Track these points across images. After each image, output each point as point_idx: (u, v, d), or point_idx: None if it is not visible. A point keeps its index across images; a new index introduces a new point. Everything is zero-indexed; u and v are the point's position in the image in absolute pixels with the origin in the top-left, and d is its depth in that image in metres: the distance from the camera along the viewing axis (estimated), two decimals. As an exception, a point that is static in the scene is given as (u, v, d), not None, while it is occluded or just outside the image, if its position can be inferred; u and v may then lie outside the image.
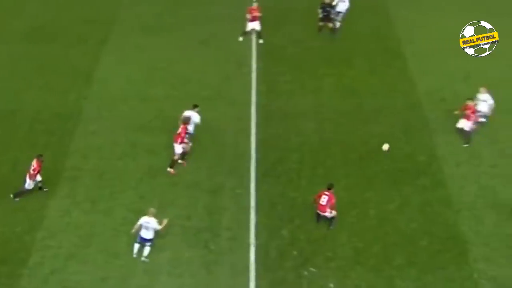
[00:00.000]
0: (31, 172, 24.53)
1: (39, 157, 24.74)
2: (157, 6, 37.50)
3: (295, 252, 23.00)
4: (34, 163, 24.55)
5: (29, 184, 24.68)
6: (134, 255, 22.65)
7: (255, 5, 34.00)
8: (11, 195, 24.69)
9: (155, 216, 22.56)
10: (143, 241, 22.61)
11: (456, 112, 27.74)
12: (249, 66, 32.67)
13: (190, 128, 26.89)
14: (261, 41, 34.16)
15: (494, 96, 28.52)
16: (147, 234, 22.52)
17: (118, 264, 22.43)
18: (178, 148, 26.17)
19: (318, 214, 23.83)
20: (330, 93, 30.86)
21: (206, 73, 32.12)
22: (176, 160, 26.36)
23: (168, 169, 26.21)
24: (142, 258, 22.55)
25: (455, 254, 22.98)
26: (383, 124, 28.76)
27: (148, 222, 22.44)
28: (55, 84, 31.10)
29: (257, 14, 33.60)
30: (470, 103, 27.52)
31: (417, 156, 27.17)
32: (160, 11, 37.05)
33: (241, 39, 34.25)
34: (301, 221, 24.13)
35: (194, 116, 27.14)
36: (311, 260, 22.73)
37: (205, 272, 22.19)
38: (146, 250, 22.63)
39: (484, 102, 27.70)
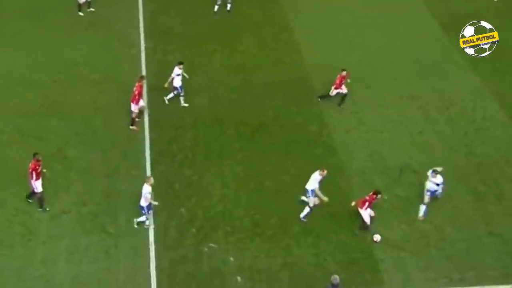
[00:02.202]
0: (29, 173, 23.06)
1: (34, 155, 23.07)
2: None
3: (194, 230, 23.16)
4: (30, 164, 23.00)
5: (33, 186, 23.15)
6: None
7: None
8: (39, 209, 23.48)
9: (151, 184, 22.45)
10: (139, 209, 22.81)
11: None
12: (138, 46, 32.33)
13: (176, 83, 28.05)
14: (92, 9, 34.43)
15: (376, 63, 29.50)
16: (141, 201, 22.57)
17: (13, 256, 21.88)
18: (134, 107, 26.74)
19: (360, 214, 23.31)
20: (221, 70, 31.05)
21: (94, 56, 31.54)
22: (135, 118, 26.94)
23: (130, 127, 26.96)
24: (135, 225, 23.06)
25: (348, 219, 23.72)
26: (274, 97, 29.26)
27: (143, 188, 22.49)
28: None
29: None
30: (343, 73, 28.24)
31: (308, 126, 27.86)
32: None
33: (81, 14, 34.25)
34: (198, 198, 24.29)
35: (175, 70, 27.97)
36: (210, 236, 22.96)
37: (105, 257, 22.02)
38: (141, 218, 22.89)
39: None
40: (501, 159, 26.40)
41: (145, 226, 22.99)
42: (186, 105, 28.49)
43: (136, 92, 26.66)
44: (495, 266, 22.02)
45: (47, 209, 23.46)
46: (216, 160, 26.00)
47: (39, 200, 23.45)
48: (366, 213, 22.91)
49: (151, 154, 26.14)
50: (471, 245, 22.78)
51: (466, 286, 21.43)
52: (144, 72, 30.11)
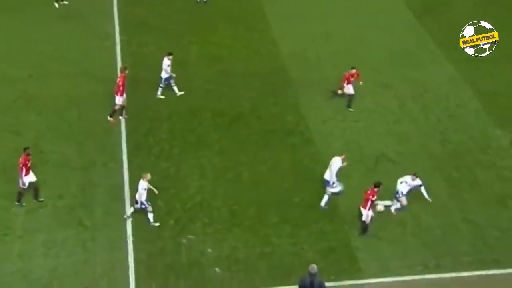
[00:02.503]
0: (19, 168, 22.70)
1: (24, 150, 22.77)
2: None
3: (172, 221, 23.10)
4: (20, 158, 22.65)
5: (23, 181, 22.83)
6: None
7: None
8: (15, 203, 23.20)
9: (148, 180, 22.45)
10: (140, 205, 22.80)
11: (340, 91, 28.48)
12: (113, 39, 32.24)
13: (166, 74, 28.08)
14: (65, 2, 34.54)
15: (351, 53, 29.54)
16: (136, 196, 22.57)
17: (-11, 251, 21.80)
18: (118, 99, 26.53)
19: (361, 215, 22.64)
20: (197, 61, 31.08)
21: (69, 49, 31.49)
22: (116, 110, 26.75)
23: (108, 117, 26.86)
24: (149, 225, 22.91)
25: (327, 208, 23.88)
26: (250, 87, 29.35)
27: (139, 184, 22.45)
28: None
29: None
30: (352, 71, 28.20)
31: (285, 116, 27.94)
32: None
33: (57, 5, 34.32)
34: (175, 190, 24.23)
35: (164, 61, 27.88)
36: (188, 228, 22.91)
37: (82, 250, 21.91)
38: (149, 216, 22.86)
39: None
40: (475, 146, 26.67)
41: (125, 216, 22.96)
42: (162, 97, 28.42)
43: (120, 83, 26.47)
44: (469, 252, 22.25)
45: (23, 204, 23.31)
46: (193, 151, 25.99)
47: (19, 194, 23.22)
48: (369, 213, 22.46)
49: (127, 147, 26.06)
50: (446, 231, 22.98)
51: (442, 272, 21.60)
52: (119, 64, 30.01)
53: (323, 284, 19.30)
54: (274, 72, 29.61)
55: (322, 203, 23.78)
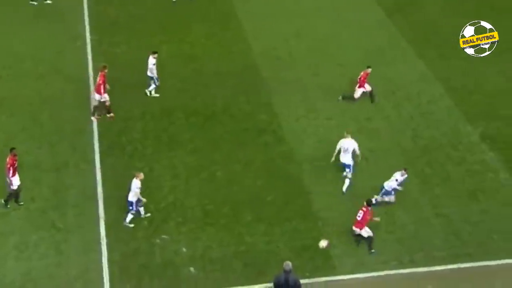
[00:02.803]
0: (6, 168, 22.43)
1: (11, 150, 22.51)
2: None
3: (145, 222, 23.00)
4: (7, 159, 22.41)
5: (10, 183, 22.53)
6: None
7: None
8: (2, 201, 22.88)
9: (141, 179, 22.35)
10: (127, 204, 22.52)
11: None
12: (84, 39, 32.01)
13: (151, 73, 28.03)
14: (35, 2, 34.40)
15: (323, 50, 29.59)
16: (129, 196, 22.36)
17: (-39, 255, 21.52)
18: (100, 97, 26.56)
19: (355, 233, 22.40)
20: (170, 60, 30.88)
21: (40, 49, 31.31)
22: (109, 106, 26.90)
23: (108, 115, 27.03)
24: (124, 223, 22.69)
25: (300, 206, 23.90)
26: (223, 86, 29.31)
27: (133, 183, 22.26)
28: None
29: None
30: (368, 70, 28.43)
31: (258, 115, 27.93)
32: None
33: (32, 3, 34.33)
34: (149, 190, 24.04)
35: (150, 60, 27.85)
36: (162, 228, 22.85)
37: (55, 253, 21.74)
38: (128, 216, 22.59)
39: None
40: (446, 142, 26.89)
41: (144, 216, 22.99)
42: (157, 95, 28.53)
43: (101, 81, 26.37)
44: (442, 247, 22.45)
45: (8, 206, 22.98)
46: (166, 151, 25.92)
47: (9, 195, 22.96)
48: (367, 230, 22.36)
49: (100, 147, 25.91)
50: (419, 227, 23.15)
51: (415, 267, 21.79)
52: (90, 64, 29.82)
53: (298, 281, 19.39)
54: (247, 71, 29.58)
55: (344, 189, 24.31)
